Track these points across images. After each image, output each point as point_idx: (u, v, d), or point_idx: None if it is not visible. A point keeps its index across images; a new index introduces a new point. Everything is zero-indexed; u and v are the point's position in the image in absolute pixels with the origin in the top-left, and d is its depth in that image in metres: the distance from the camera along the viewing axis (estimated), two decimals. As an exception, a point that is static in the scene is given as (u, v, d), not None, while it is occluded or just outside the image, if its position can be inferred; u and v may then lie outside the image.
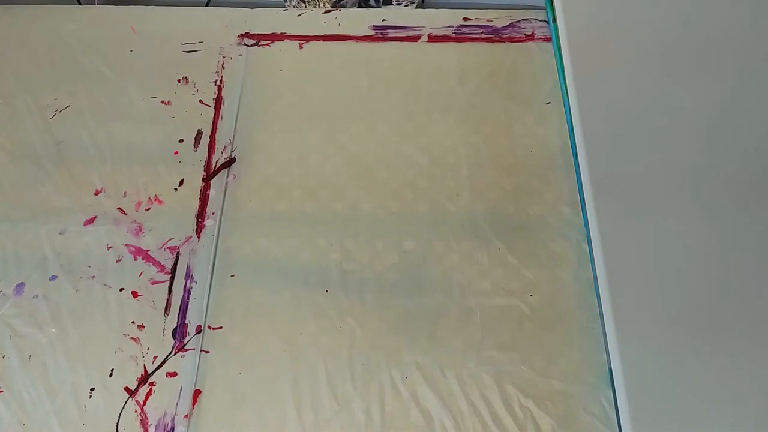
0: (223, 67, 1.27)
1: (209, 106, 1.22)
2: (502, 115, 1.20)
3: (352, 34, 1.32)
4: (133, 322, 1.00)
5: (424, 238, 1.06)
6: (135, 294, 1.02)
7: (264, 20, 1.34)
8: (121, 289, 1.02)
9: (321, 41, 1.31)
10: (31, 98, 1.23)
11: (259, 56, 1.29)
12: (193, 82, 1.25)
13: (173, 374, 0.96)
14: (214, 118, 1.21)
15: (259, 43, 1.31)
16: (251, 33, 1.32)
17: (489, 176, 1.12)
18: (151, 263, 1.05)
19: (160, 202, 1.11)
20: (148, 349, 0.98)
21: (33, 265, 1.05)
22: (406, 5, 1.40)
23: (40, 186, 1.13)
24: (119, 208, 1.10)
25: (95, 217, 1.09)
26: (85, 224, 1.09)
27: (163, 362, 0.97)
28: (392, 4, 1.42)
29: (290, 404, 0.93)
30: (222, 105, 1.23)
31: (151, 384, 0.95)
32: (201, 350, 0.97)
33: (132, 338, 0.98)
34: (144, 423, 0.92)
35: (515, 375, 0.94)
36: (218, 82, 1.25)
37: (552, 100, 1.21)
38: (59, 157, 1.16)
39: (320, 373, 0.95)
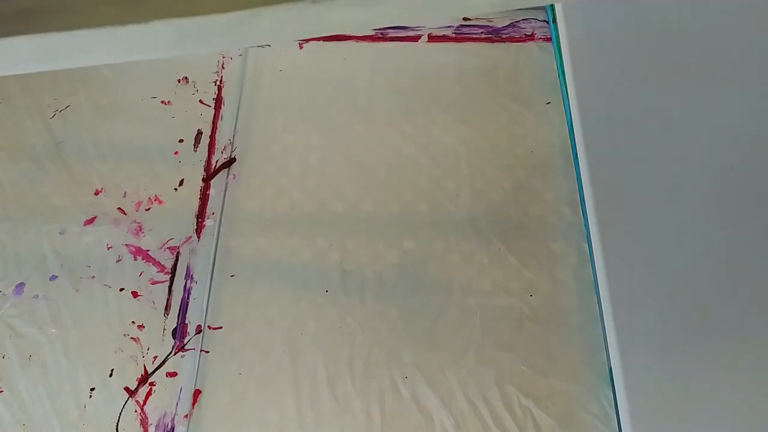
0: (223, 67, 1.27)
1: (209, 106, 1.22)
2: (502, 115, 1.20)
3: (352, 34, 1.32)
4: (133, 322, 1.00)
5: (424, 238, 1.06)
6: (135, 294, 1.02)
7: (264, 20, 1.34)
8: (121, 289, 1.02)
9: (321, 41, 1.31)
10: (31, 98, 1.23)
11: (259, 56, 1.29)
12: (193, 82, 1.25)
13: (173, 374, 0.96)
14: (214, 118, 1.21)
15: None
16: (251, 33, 1.32)
17: (489, 176, 1.12)
18: (151, 263, 1.05)
19: (160, 202, 1.11)
20: (148, 349, 0.98)
21: (33, 265, 1.05)
22: None
23: (40, 186, 1.13)
24: (119, 208, 1.10)
25: (95, 217, 1.09)
26: (85, 224, 1.09)
27: (163, 362, 0.97)
28: None
29: (290, 404, 0.93)
30: (222, 105, 1.23)
31: (151, 384, 0.95)
32: (201, 350, 0.97)
33: (132, 338, 0.98)
34: (144, 423, 0.92)
35: (515, 375, 0.94)
36: (218, 82, 1.25)
37: (552, 100, 1.21)
38: (59, 157, 1.16)
39: (320, 373, 0.95)
